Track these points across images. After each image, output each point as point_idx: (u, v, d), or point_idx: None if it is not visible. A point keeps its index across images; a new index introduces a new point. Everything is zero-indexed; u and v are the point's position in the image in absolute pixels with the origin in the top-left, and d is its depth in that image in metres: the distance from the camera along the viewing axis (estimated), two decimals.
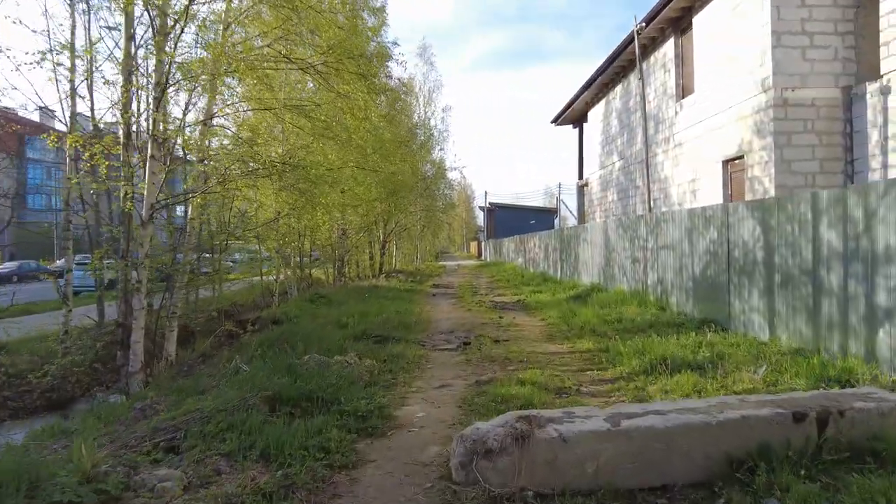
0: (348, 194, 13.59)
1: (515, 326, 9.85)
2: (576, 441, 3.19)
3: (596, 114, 21.59)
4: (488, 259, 46.46)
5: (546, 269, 21.71)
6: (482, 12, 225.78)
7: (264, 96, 8.69)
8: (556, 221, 61.14)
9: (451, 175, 34.07)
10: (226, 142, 8.36)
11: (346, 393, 4.90)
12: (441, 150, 32.01)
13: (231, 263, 15.04)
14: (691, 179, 13.63)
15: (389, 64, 14.44)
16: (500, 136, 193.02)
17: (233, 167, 8.47)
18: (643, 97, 14.75)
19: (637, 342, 6.77)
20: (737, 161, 11.80)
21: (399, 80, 26.56)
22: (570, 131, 25.67)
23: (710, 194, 12.64)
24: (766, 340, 6.65)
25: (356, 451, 3.97)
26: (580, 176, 24.90)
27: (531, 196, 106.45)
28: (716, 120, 12.32)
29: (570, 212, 64.46)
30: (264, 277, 15.42)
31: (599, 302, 10.92)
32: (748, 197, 11.04)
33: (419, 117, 27.32)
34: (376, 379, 5.85)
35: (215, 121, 8.40)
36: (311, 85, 10.72)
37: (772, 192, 10.27)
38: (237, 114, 7.98)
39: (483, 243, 57.68)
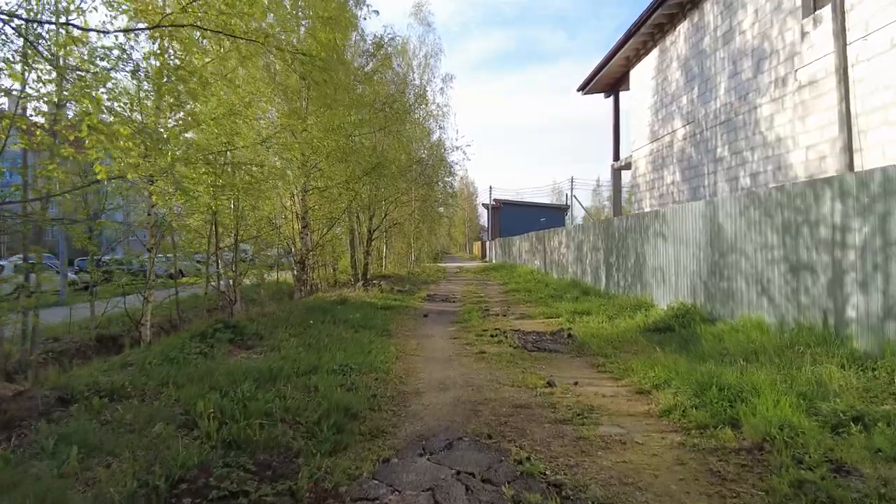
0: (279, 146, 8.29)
1: (596, 420, 4.44)
2: None
3: (642, 72, 16.34)
4: (494, 261, 41.13)
5: (579, 275, 16.47)
6: (483, 11, 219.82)
7: None
8: (567, 218, 55.93)
9: (454, 157, 28.64)
10: None
11: None
12: (441, 128, 26.64)
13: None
14: (836, 137, 8.38)
15: None
16: (501, 138, 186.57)
17: None
18: None
19: None
20: None
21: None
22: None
23: (889, 156, 7.39)
24: None
25: None
26: (616, 157, 19.62)
27: (537, 194, 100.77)
28: None
29: (584, 208, 59.33)
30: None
31: (732, 348, 5.68)
32: None
33: (412, 84, 22.00)
34: None
35: None
36: None
37: None
38: None
39: (487, 243, 52.33)
